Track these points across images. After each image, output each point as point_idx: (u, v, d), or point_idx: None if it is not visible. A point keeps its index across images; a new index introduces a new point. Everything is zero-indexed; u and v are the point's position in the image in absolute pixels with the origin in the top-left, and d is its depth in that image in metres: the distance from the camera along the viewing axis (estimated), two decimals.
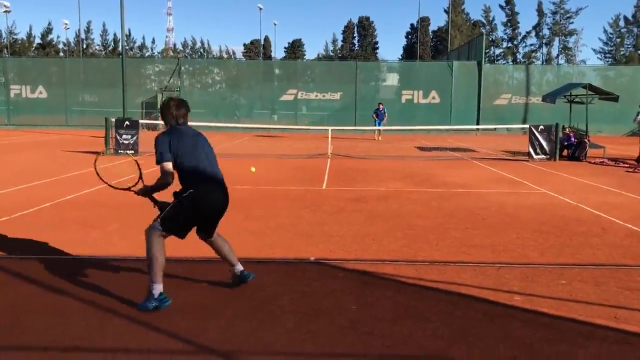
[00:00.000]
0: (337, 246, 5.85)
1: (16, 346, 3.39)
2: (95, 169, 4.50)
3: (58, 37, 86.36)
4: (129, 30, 75.11)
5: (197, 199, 4.10)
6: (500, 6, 67.11)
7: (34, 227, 6.55)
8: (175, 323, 3.71)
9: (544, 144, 15.48)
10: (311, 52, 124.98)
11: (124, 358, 3.24)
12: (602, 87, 20.41)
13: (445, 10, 68.32)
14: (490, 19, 68.54)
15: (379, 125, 25.12)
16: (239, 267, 4.44)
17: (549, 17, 65.54)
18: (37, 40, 70.64)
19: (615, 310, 4.05)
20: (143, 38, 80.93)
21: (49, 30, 70.56)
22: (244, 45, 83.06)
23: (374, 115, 25.74)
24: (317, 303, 4.13)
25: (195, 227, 4.33)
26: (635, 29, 63.07)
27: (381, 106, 25.77)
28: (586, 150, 15.79)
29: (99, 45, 75.24)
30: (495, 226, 6.94)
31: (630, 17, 63.21)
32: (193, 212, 4.13)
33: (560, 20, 64.66)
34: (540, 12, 65.25)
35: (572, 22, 65.12)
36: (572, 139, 16.24)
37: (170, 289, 4.39)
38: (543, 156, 15.44)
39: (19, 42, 68.79)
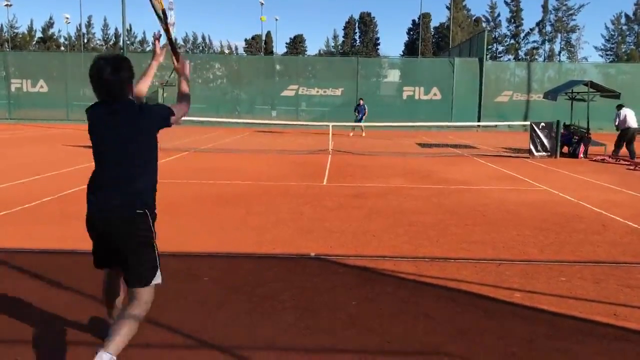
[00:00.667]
0: (337, 242, 5.85)
1: (16, 339, 3.40)
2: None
3: (59, 31, 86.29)
4: (130, 26, 74.99)
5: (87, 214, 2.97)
6: (505, 2, 67.08)
7: (35, 221, 6.56)
8: (176, 318, 3.72)
9: (545, 141, 15.46)
10: (312, 48, 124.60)
11: (124, 352, 3.24)
12: (604, 84, 20.34)
13: (446, 7, 68.26)
14: (495, 15, 68.52)
15: (360, 121, 25.17)
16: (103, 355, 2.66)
17: (552, 13, 65.53)
18: (38, 35, 70.65)
19: (615, 307, 4.05)
20: (144, 33, 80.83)
21: (50, 25, 70.54)
22: (245, 40, 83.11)
23: (355, 112, 25.95)
24: (317, 298, 4.14)
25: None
26: (636, 27, 63.01)
27: (362, 102, 25.97)
28: (587, 147, 15.79)
29: (100, 40, 75.22)
30: (496, 223, 6.94)
31: (631, 15, 63.14)
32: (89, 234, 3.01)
33: (563, 17, 64.59)
34: (545, 8, 65.20)
35: (574, 19, 65.09)
36: (569, 137, 16.21)
37: (171, 285, 4.41)
38: (544, 153, 15.42)
39: (20, 36, 68.78)
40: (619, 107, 15.99)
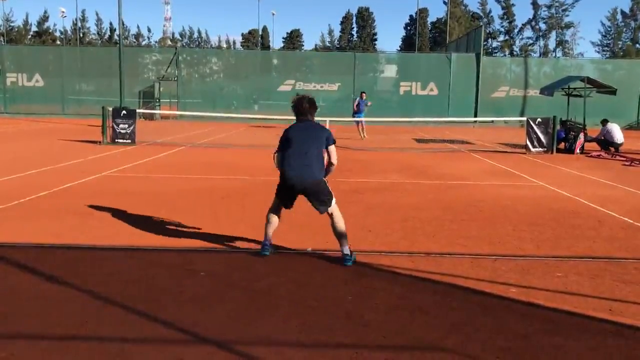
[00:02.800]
0: (333, 237, 5.83)
1: (13, 334, 3.39)
2: None
3: (54, 25, 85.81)
4: (122, 21, 74.65)
5: (280, 176, 5.14)
6: None
7: (30, 215, 6.54)
8: (172, 313, 3.71)
9: (542, 136, 15.47)
10: (310, 43, 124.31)
11: (121, 347, 3.24)
12: (600, 80, 20.37)
13: (444, 2, 68.13)
14: (487, 11, 68.50)
15: (360, 116, 20.24)
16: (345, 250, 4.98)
17: (544, 10, 65.50)
18: (34, 29, 70.28)
19: (610, 302, 4.07)
20: (138, 27, 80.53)
21: (45, 18, 70.16)
22: (242, 35, 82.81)
23: (355, 107, 20.88)
24: (313, 293, 4.15)
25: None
26: (632, 23, 63.12)
27: (364, 96, 20.88)
28: (583, 143, 15.82)
29: (94, 34, 74.92)
30: (492, 218, 6.95)
31: (627, 11, 63.25)
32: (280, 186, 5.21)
33: (556, 13, 64.57)
34: (535, 5, 65.18)
35: (567, 15, 65.09)
36: (562, 135, 16.24)
37: (168, 279, 4.41)
38: (540, 149, 15.44)
39: (16, 29, 68.39)
40: (604, 121, 16.08)
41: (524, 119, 16.97)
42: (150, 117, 29.64)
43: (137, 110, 17.29)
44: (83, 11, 73.77)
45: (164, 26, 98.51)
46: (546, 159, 14.11)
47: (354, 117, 20.73)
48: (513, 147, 17.17)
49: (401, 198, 8.30)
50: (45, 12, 77.03)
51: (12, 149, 14.54)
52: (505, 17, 67.34)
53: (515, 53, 65.14)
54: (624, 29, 64.21)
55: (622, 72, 34.47)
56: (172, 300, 3.95)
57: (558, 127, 15.96)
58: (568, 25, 65.32)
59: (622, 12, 63.74)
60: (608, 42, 65.19)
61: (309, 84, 33.96)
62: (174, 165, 11.60)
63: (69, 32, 72.03)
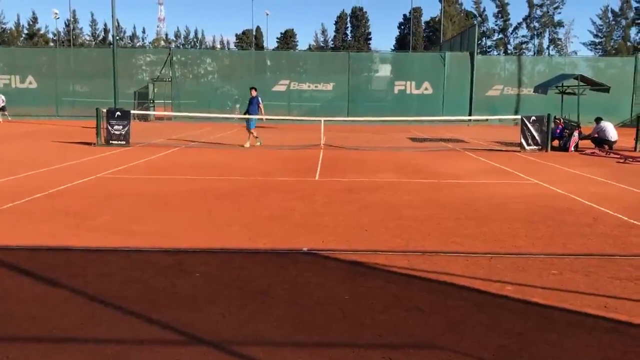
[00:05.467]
0: (329, 237, 5.85)
1: (8, 337, 3.37)
2: None
3: (46, 26, 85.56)
4: (117, 21, 74.39)
5: None
6: None
7: (25, 218, 6.51)
8: (168, 313, 3.70)
9: (536, 134, 15.52)
10: (304, 43, 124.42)
11: (116, 349, 3.23)
12: (593, 77, 20.45)
13: (438, 0, 68.26)
14: (482, 10, 68.77)
15: (252, 126, 16.18)
16: None
17: (538, 8, 65.82)
18: (26, 30, 70.03)
19: (605, 299, 4.08)
20: (134, 28, 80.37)
21: (34, 20, 69.93)
22: (236, 35, 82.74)
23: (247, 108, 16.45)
24: (309, 293, 4.14)
25: None
26: (623, 21, 63.51)
27: (254, 92, 16.33)
28: (578, 141, 15.87)
29: (88, 35, 74.68)
30: (487, 216, 6.97)
31: (617, 10, 63.67)
32: None
33: (548, 11, 64.88)
34: (530, 3, 65.50)
35: (559, 13, 65.43)
36: (558, 131, 16.28)
37: (163, 280, 4.40)
38: (535, 147, 15.49)
39: (8, 31, 68.09)
40: (598, 120, 16.11)
41: (518, 117, 17.00)
42: (145, 118, 29.58)
43: (132, 112, 17.22)
44: (74, 11, 73.49)
45: (157, 27, 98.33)
46: (541, 157, 14.16)
47: (247, 124, 16.41)
48: (507, 145, 17.22)
49: (396, 197, 8.31)
50: (34, 13, 76.65)
51: (6, 150, 14.46)
52: (500, 15, 67.57)
53: (509, 52, 65.35)
54: (615, 27, 64.53)
55: (615, 70, 34.62)
56: (167, 301, 3.95)
57: (557, 122, 16.01)
58: (560, 23, 65.67)
59: (612, 11, 64.14)
60: (600, 40, 65.50)
61: (303, 84, 33.97)
62: (168, 166, 11.57)
63: (62, 33, 71.79)
